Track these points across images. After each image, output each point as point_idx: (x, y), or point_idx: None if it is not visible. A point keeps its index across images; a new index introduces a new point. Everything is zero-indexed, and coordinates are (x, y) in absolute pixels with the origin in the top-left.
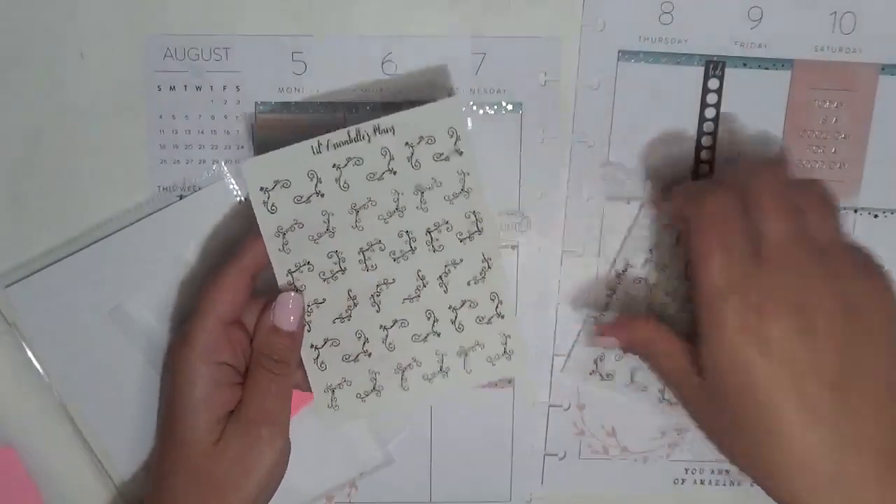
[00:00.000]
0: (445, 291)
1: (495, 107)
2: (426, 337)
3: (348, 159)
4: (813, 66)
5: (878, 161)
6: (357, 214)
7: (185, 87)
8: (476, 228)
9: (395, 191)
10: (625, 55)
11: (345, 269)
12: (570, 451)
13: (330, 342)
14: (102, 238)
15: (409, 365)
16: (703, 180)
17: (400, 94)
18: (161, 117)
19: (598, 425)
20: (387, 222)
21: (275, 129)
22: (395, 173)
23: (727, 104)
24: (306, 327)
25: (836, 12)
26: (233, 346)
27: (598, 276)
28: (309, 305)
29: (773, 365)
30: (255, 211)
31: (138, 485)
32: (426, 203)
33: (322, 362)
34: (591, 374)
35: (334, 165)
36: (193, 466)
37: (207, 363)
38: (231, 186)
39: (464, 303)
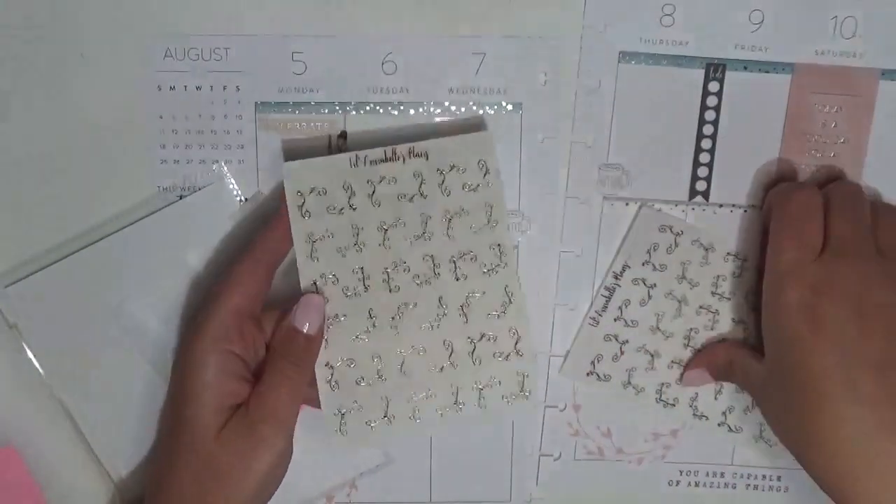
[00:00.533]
0: (465, 322)
1: (495, 107)
2: (443, 368)
3: (382, 177)
4: (813, 70)
5: (878, 165)
6: (385, 233)
7: (185, 87)
8: (500, 262)
9: (424, 214)
10: (625, 56)
11: (368, 286)
12: (565, 452)
13: (346, 361)
14: (102, 238)
15: (424, 396)
16: (793, 182)
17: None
18: (161, 117)
19: (594, 426)
20: (412, 244)
21: (275, 129)
22: (424, 197)
23: (727, 107)
24: (323, 343)
25: (836, 17)
26: (244, 339)
27: (597, 277)
28: (329, 319)
29: (822, 341)
30: (290, 213)
31: (138, 484)
32: (452, 230)
33: (335, 382)
34: (588, 374)
35: (368, 181)
36: (195, 451)
37: (216, 351)
38: (231, 186)
39: (483, 336)
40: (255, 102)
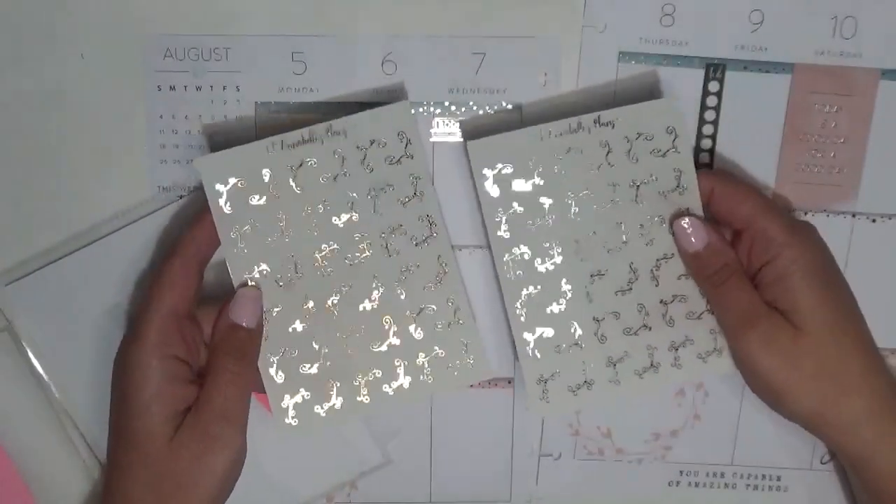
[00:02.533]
0: (403, 297)
1: (495, 107)
2: (390, 346)
3: (302, 161)
4: (813, 70)
5: (877, 165)
6: (312, 217)
7: (185, 87)
8: (430, 233)
9: (349, 193)
10: (625, 56)
11: (301, 274)
12: (565, 452)
13: (286, 352)
14: (102, 237)
15: (371, 375)
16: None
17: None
18: (161, 117)
19: (594, 426)
20: (341, 226)
21: (275, 129)
22: (347, 176)
23: (727, 107)
24: (264, 334)
25: (836, 17)
26: (186, 342)
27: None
28: (265, 311)
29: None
30: (211, 208)
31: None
32: (379, 207)
33: (279, 372)
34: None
35: (289, 167)
36: (149, 464)
37: (159, 357)
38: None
39: (421, 310)
40: (255, 102)
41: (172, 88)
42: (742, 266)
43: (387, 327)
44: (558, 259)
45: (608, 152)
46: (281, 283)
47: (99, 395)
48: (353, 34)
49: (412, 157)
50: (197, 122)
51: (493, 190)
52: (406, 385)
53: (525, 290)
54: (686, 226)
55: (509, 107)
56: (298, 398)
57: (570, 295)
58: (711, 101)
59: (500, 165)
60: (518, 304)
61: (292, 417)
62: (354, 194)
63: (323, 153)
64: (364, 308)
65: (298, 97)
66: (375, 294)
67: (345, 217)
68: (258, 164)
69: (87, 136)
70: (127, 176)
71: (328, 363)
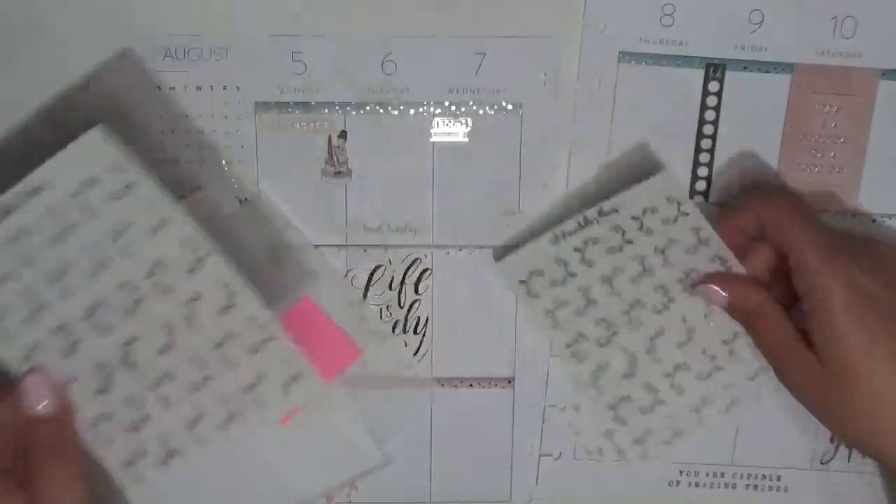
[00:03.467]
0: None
1: (495, 107)
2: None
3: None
4: (813, 70)
5: (877, 166)
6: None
7: (185, 87)
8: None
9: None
10: (625, 56)
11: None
12: (565, 452)
13: (102, 417)
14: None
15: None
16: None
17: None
18: (161, 117)
19: (594, 426)
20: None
21: (275, 130)
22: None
23: (727, 107)
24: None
25: (836, 17)
26: None
27: None
28: (66, 385)
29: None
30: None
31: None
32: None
33: (105, 439)
34: (520, 282)
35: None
36: None
37: None
38: (231, 186)
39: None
40: (255, 102)
41: (172, 88)
42: (772, 303)
43: (197, 369)
44: (616, 335)
45: (623, 233)
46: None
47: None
48: (353, 34)
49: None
50: (197, 122)
51: (534, 299)
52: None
53: (595, 368)
54: (705, 292)
55: (509, 107)
56: (137, 457)
57: (637, 361)
58: (711, 101)
59: (530, 274)
60: (594, 388)
61: (139, 478)
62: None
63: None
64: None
65: (298, 97)
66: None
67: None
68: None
69: None
70: None
71: (150, 417)
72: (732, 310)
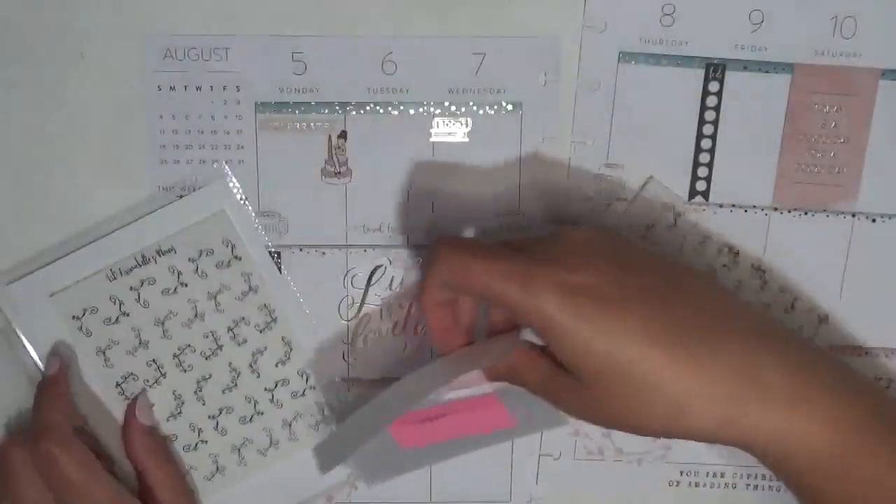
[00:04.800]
0: (258, 377)
1: (495, 107)
2: (251, 418)
3: (142, 281)
4: (813, 70)
5: (877, 166)
6: (163, 325)
7: (185, 87)
8: (271, 318)
9: (191, 300)
10: (625, 56)
11: (164, 373)
12: (565, 452)
13: (169, 438)
14: (102, 237)
15: (243, 444)
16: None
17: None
18: (161, 117)
19: (594, 426)
20: (191, 328)
21: (275, 129)
22: (186, 286)
23: (727, 107)
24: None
25: (836, 17)
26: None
27: None
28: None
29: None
30: (72, 339)
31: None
32: (220, 305)
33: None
34: None
35: (131, 288)
36: None
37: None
38: (231, 186)
39: (277, 383)
40: (255, 102)
41: (172, 88)
42: (520, 353)
43: (250, 403)
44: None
45: (179, 275)
46: (149, 384)
47: (99, 394)
48: (353, 34)
49: (240, 259)
50: (197, 122)
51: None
52: (277, 448)
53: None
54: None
55: (509, 107)
56: (188, 472)
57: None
58: (711, 101)
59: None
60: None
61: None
62: (196, 299)
63: (159, 271)
64: (227, 391)
65: (298, 97)
66: (234, 378)
67: (192, 320)
68: (103, 291)
69: (87, 136)
70: (127, 176)
71: (206, 442)
72: (492, 377)
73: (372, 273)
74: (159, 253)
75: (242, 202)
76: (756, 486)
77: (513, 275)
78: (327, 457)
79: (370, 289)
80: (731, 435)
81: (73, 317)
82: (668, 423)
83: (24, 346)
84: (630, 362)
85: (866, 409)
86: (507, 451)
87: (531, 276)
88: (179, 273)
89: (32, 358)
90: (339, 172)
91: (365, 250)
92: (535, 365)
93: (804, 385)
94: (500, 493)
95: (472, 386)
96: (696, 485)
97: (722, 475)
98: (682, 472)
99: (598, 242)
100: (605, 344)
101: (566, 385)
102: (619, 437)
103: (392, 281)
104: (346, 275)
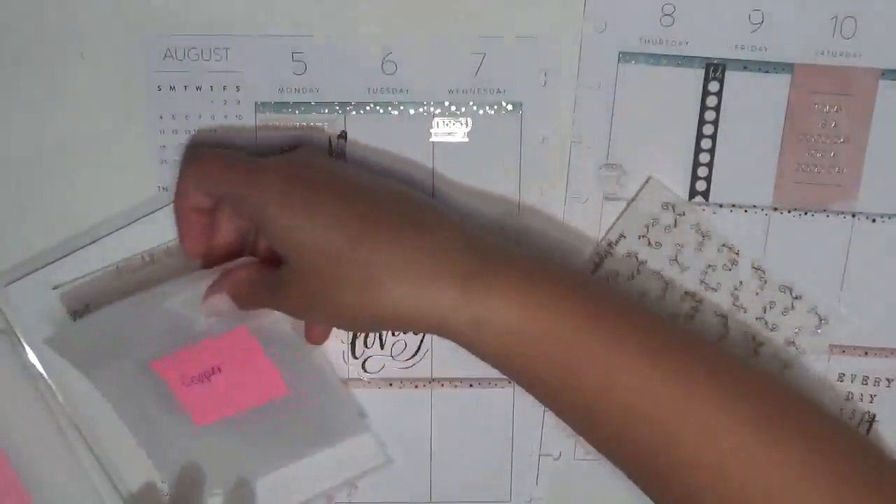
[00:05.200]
0: None
1: (495, 107)
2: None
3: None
4: (813, 70)
5: (877, 165)
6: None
7: (185, 87)
8: None
9: None
10: (625, 56)
11: None
12: (565, 452)
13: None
14: (102, 237)
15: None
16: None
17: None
18: (161, 117)
19: None
20: None
21: (275, 129)
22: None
23: (727, 107)
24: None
25: (836, 17)
26: None
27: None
28: None
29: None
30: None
31: (138, 484)
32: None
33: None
34: None
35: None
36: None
37: None
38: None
39: None
40: (255, 102)
41: (172, 88)
42: (250, 276)
43: None
44: None
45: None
46: None
47: (99, 395)
48: (353, 34)
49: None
50: (197, 122)
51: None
52: None
53: None
54: (212, 310)
55: (509, 107)
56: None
57: None
58: (711, 101)
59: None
60: None
61: None
62: None
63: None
64: None
65: (298, 97)
66: None
67: None
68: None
69: (87, 136)
70: (127, 176)
71: None
72: (241, 306)
73: None
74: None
75: None
76: None
77: (241, 163)
78: (61, 347)
79: None
80: (423, 311)
81: (74, 313)
82: (361, 297)
83: (23, 347)
84: (328, 241)
85: (553, 283)
86: (507, 451)
87: (256, 166)
88: None
89: (31, 359)
90: None
91: None
92: (258, 271)
93: (493, 264)
94: (500, 493)
95: (224, 314)
96: None
97: None
98: None
99: (318, 156)
100: (309, 222)
101: (278, 277)
102: None
103: None
104: None
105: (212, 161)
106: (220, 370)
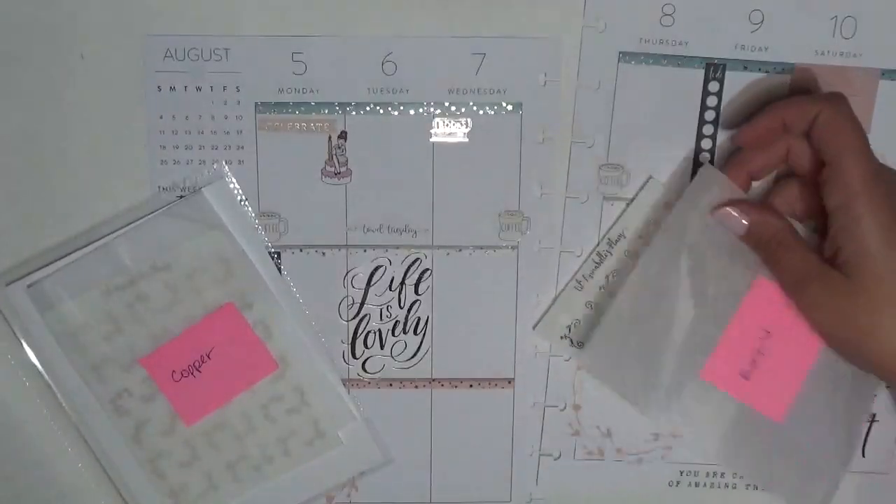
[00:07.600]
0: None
1: (495, 107)
2: (246, 434)
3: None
4: (813, 70)
5: None
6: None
7: (185, 87)
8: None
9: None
10: (625, 56)
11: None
12: (565, 452)
13: (161, 454)
14: (102, 237)
15: (238, 461)
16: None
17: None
18: (161, 117)
19: (594, 426)
20: None
21: (275, 129)
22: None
23: (727, 107)
24: (139, 445)
25: (836, 17)
26: None
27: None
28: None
29: None
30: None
31: (138, 484)
32: None
33: (159, 474)
34: (561, 338)
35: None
36: None
37: None
38: (231, 186)
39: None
40: (255, 102)
41: (172, 89)
42: (791, 229)
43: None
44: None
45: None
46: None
47: (99, 395)
48: (353, 34)
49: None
50: (197, 122)
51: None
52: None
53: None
54: (724, 219)
55: (509, 107)
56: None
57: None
58: (711, 101)
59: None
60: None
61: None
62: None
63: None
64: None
65: (298, 97)
66: None
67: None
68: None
69: (87, 136)
70: (127, 176)
71: (201, 458)
72: (750, 237)
73: (372, 273)
74: (154, 269)
75: (242, 202)
76: (756, 487)
77: (864, 165)
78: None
79: (370, 289)
80: None
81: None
82: None
83: (23, 347)
84: None
85: None
86: (507, 451)
87: (874, 181)
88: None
89: (31, 359)
90: (339, 173)
91: (365, 250)
92: (800, 247)
93: None
94: (500, 493)
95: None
96: (696, 485)
97: (722, 475)
98: (682, 472)
99: None
100: None
101: (830, 278)
102: (619, 437)
103: (392, 281)
104: (346, 275)
105: (849, 112)
106: (209, 357)
